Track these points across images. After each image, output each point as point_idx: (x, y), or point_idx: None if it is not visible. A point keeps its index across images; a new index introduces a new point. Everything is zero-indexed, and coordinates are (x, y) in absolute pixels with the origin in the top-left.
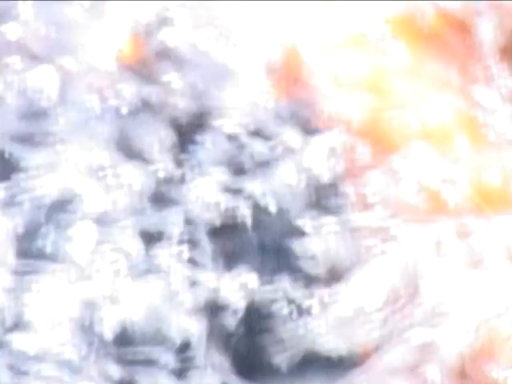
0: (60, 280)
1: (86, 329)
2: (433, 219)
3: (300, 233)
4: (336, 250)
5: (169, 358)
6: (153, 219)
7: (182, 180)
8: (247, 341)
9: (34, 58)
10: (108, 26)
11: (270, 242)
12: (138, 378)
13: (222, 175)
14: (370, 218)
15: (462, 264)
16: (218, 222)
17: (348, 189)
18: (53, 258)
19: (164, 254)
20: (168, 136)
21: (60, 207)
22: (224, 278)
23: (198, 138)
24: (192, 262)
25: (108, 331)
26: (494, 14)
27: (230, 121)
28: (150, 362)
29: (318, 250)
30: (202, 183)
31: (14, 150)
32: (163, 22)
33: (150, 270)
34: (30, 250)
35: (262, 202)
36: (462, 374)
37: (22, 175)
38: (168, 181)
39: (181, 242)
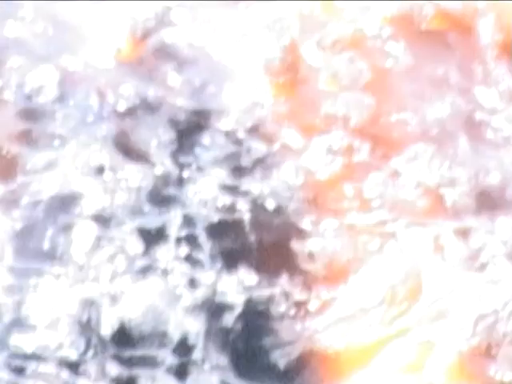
0: (59, 279)
1: (85, 327)
2: (432, 219)
3: (299, 232)
4: (335, 250)
5: (167, 357)
6: (152, 218)
7: (181, 179)
8: (246, 339)
9: (34, 58)
10: (107, 25)
11: (269, 241)
12: (136, 376)
13: (221, 174)
14: (370, 218)
15: (461, 263)
16: (217, 221)
17: (347, 189)
18: (52, 257)
19: (163, 253)
20: (167, 135)
21: (59, 206)
22: (223, 277)
23: (198, 137)
24: (191, 261)
25: (107, 330)
26: (494, 14)
27: (229, 120)
28: (148, 361)
29: (317, 250)
30: (201, 182)
31: (13, 149)
32: (162, 21)
33: (149, 268)
34: (29, 249)
35: (261, 202)
36: (461, 371)
37: (21, 175)
38: (167, 180)
39: (180, 241)
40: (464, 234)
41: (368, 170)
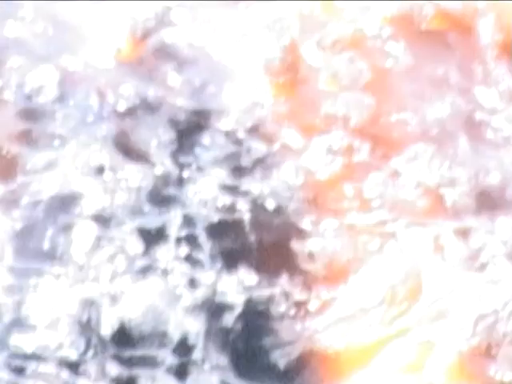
0: (59, 279)
1: (85, 327)
2: (432, 219)
3: (299, 232)
4: (335, 250)
5: (167, 357)
6: (152, 218)
7: (181, 179)
8: (246, 339)
9: (34, 58)
10: (107, 25)
11: (269, 241)
12: (136, 376)
13: (221, 174)
14: (370, 218)
15: (461, 263)
16: (217, 221)
17: (347, 189)
18: (52, 257)
19: (163, 253)
20: (167, 135)
21: (59, 206)
22: (223, 277)
23: (198, 137)
24: (191, 261)
25: (107, 330)
26: (494, 14)
27: (229, 120)
28: (148, 361)
29: (317, 250)
30: (201, 182)
31: (13, 149)
32: (162, 21)
33: (149, 268)
34: (29, 249)
35: (261, 202)
36: (461, 371)
37: (21, 174)
38: (167, 180)
39: (180, 241)
40: (464, 233)
41: (368, 170)
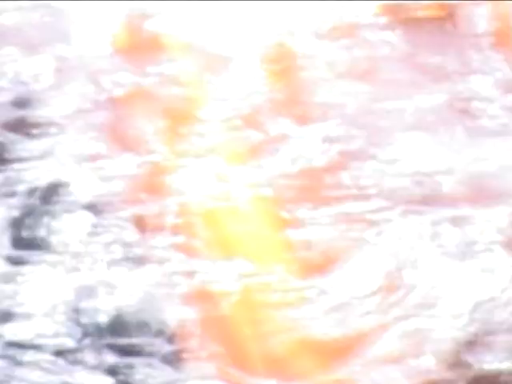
0: (55, 268)
1: (81, 316)
2: (428, 208)
3: (295, 221)
4: (332, 238)
5: (164, 347)
6: (148, 207)
7: (178, 168)
8: (242, 328)
9: (30, 46)
10: (103, 13)
11: (265, 228)
12: (133, 364)
13: (217, 164)
14: (366, 207)
15: (458, 251)
16: (213, 209)
17: (343, 177)
18: (48, 246)
19: (159, 242)
20: (163, 124)
21: (56, 194)
22: (219, 265)
23: (194, 126)
24: (187, 250)
25: (103, 318)
26: (491, 2)
27: (225, 108)
28: (145, 349)
29: (314, 237)
30: (197, 171)
31: (8, 138)
32: (158, 10)
33: (146, 256)
34: (24, 239)
35: (257, 191)
36: (457, 360)
37: (16, 163)
38: (163, 168)
39: (176, 231)
40: (460, 221)
41: (364, 158)
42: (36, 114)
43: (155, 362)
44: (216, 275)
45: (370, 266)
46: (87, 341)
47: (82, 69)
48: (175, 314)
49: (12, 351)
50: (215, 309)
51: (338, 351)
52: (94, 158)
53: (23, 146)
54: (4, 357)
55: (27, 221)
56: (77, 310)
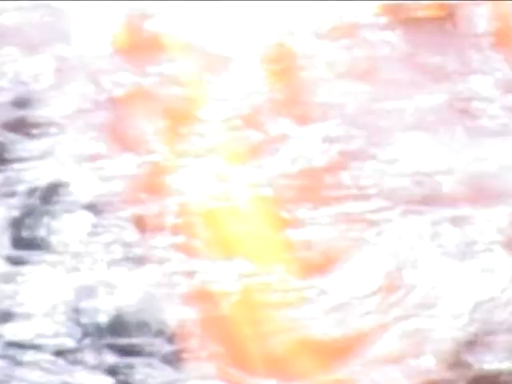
0: (55, 268)
1: (81, 316)
2: (428, 208)
3: (295, 221)
4: (332, 238)
5: (164, 347)
6: (148, 207)
7: (178, 168)
8: (242, 328)
9: (30, 46)
10: (103, 13)
11: (265, 228)
12: (133, 364)
13: (217, 162)
14: (366, 207)
15: (458, 251)
16: (213, 209)
17: (343, 177)
18: (48, 246)
19: (159, 242)
20: (163, 124)
21: (56, 194)
22: (219, 265)
23: (194, 126)
24: (187, 250)
25: (103, 318)
26: (491, 2)
27: (225, 108)
28: (145, 349)
29: (314, 237)
30: (197, 171)
31: (8, 138)
32: (158, 10)
33: (146, 257)
34: (24, 239)
35: (257, 190)
36: (457, 360)
37: (16, 163)
38: (163, 168)
39: (176, 230)
40: (460, 221)
41: (364, 158)
42: (36, 113)
43: (155, 362)
44: (216, 275)
45: (369, 266)
46: (87, 341)
47: (82, 69)
48: (175, 313)
49: (12, 351)
50: (215, 309)
51: (338, 351)
52: (93, 157)
53: (23, 146)
54: (4, 357)
55: (27, 221)
56: (77, 310)
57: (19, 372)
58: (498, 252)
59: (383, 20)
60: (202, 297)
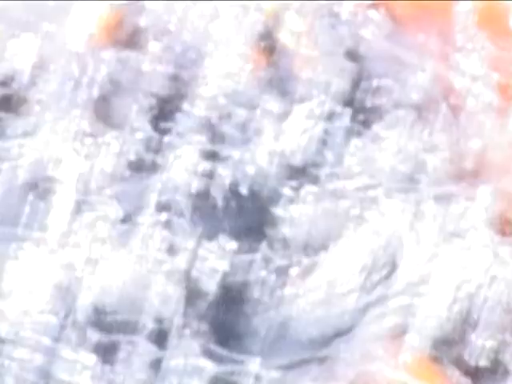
0: (40, 247)
1: (66, 295)
2: (414, 187)
3: (281, 200)
4: (316, 216)
5: (148, 325)
6: (133, 184)
7: (162, 145)
8: (226, 307)
9: (16, 26)
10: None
11: (249, 206)
12: (117, 344)
13: (201, 140)
14: (352, 186)
15: (442, 229)
16: (197, 187)
17: (329, 156)
18: (33, 224)
19: (144, 220)
20: (147, 101)
21: (40, 172)
22: (203, 243)
23: (178, 103)
24: (172, 228)
25: (87, 296)
26: None
27: (209, 86)
28: (129, 329)
29: (298, 215)
30: (182, 150)
31: None
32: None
33: (130, 234)
34: (9, 217)
35: (243, 169)
36: (442, 338)
37: (1, 142)
38: (148, 146)
39: (160, 207)
40: (445, 200)
41: (349, 136)
42: (20, 92)
43: (139, 339)
44: (200, 253)
45: (354, 244)
46: (71, 319)
47: (67, 48)
48: (159, 292)
49: None
50: (199, 287)
51: (322, 330)
52: (78, 136)
53: (8, 125)
54: None
55: (11, 198)
56: (61, 288)
57: (3, 349)
58: (482, 230)
59: None
60: (186, 275)
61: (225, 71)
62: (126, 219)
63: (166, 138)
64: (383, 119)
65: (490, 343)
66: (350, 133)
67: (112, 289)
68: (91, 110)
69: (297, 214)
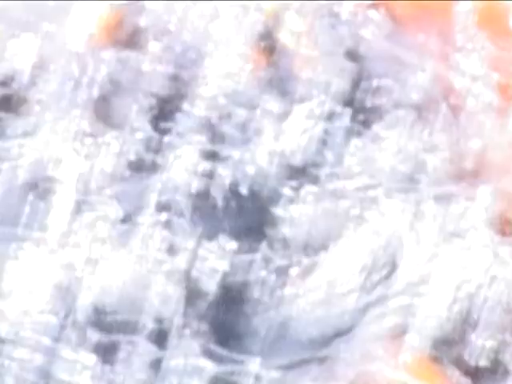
0: (40, 247)
1: (66, 295)
2: (414, 187)
3: (281, 200)
4: (316, 216)
5: (148, 325)
6: (133, 184)
7: (162, 145)
8: (226, 307)
9: (16, 26)
10: None
11: (250, 208)
12: (117, 344)
13: (201, 140)
14: (352, 186)
15: (443, 232)
16: (197, 187)
17: (329, 156)
18: (33, 224)
19: (144, 220)
20: (148, 103)
21: (40, 172)
22: (203, 243)
23: (178, 103)
24: (172, 228)
25: (88, 296)
26: None
27: (209, 86)
28: (129, 329)
29: (298, 216)
30: (182, 150)
31: None
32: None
33: (130, 234)
34: (9, 217)
35: (243, 169)
36: (442, 341)
37: (1, 142)
38: (148, 146)
39: (161, 209)
40: (445, 200)
41: (349, 136)
42: (20, 92)
43: (139, 340)
44: (200, 253)
45: (354, 244)
46: (71, 319)
47: (67, 48)
48: (159, 292)
49: None
50: (199, 287)
51: (322, 331)
52: (78, 136)
53: (8, 125)
54: None
55: (11, 199)
56: (61, 288)
57: (3, 349)
58: (482, 230)
59: None
60: (186, 275)
61: (225, 71)
62: (126, 219)
63: (166, 138)
64: (383, 119)
65: (490, 343)
66: (350, 133)
67: (112, 289)
68: (91, 110)
69: (297, 213)
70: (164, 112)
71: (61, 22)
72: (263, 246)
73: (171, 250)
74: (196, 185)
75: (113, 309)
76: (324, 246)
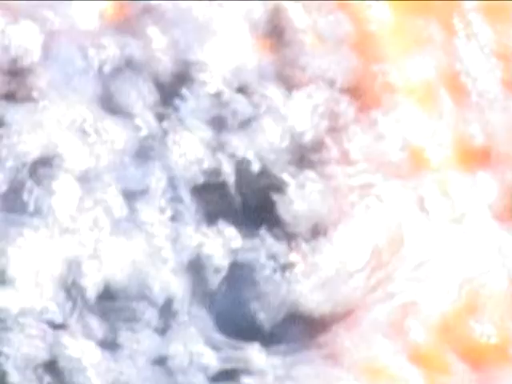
0: (43, 237)
1: (69, 285)
2: (415, 175)
3: (283, 189)
4: (319, 207)
5: (152, 315)
6: (135, 175)
7: (165, 136)
8: (230, 298)
9: (18, 15)
10: None
11: (252, 198)
12: (120, 334)
13: (204, 132)
14: (353, 175)
15: (445, 220)
16: (200, 179)
17: (331, 145)
18: (35, 214)
19: (147, 210)
20: (151, 92)
21: (43, 163)
22: (207, 235)
23: (181, 94)
24: (175, 218)
25: (91, 288)
26: None
27: (213, 77)
28: (132, 319)
29: (301, 207)
30: (184, 140)
31: None
32: None
33: (133, 226)
34: (12, 207)
35: (245, 159)
36: (445, 330)
37: (4, 132)
38: (151, 137)
39: (163, 199)
40: (447, 190)
41: (351, 127)
42: (23, 82)
43: (143, 330)
44: (205, 249)
45: (357, 234)
46: (76, 313)
47: (70, 37)
48: (163, 282)
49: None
50: (203, 277)
51: (325, 321)
52: (82, 130)
53: (10, 115)
54: None
55: (15, 189)
56: (66, 283)
57: (5, 341)
58: (485, 221)
59: None
60: (189, 265)
61: (230, 66)
62: (130, 214)
63: (169, 128)
64: (388, 113)
65: (494, 339)
66: (351, 121)
67: (115, 279)
68: (96, 105)
69: (301, 209)
70: (166, 99)
71: (62, 10)
72: (267, 237)
73: (175, 246)
74: (198, 173)
75: (116, 299)
76: (327, 236)
